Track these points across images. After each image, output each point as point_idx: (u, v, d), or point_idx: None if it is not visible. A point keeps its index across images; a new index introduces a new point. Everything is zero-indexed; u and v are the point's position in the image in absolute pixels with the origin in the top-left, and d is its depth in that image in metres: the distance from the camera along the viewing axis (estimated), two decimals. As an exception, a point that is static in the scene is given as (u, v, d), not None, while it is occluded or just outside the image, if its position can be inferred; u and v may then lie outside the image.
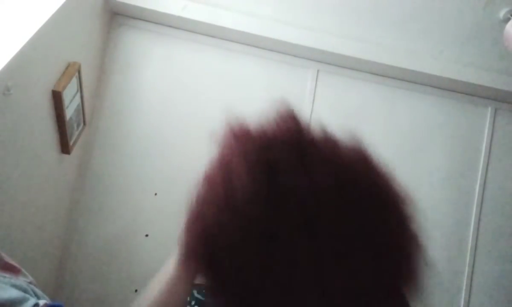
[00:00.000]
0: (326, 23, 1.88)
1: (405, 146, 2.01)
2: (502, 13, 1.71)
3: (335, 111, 1.99)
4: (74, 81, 1.54)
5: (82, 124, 1.72)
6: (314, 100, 1.98)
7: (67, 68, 1.50)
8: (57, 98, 1.43)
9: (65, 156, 1.64)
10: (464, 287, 1.94)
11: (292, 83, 1.98)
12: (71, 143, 1.63)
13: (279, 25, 1.87)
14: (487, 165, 2.02)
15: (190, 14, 1.83)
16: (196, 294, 0.91)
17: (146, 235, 1.82)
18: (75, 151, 1.72)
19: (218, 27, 1.85)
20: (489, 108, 2.05)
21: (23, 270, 0.92)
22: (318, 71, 1.99)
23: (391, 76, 2.01)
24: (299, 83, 1.98)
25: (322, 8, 1.83)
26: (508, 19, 1.65)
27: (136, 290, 1.77)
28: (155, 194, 1.85)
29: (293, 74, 1.98)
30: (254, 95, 1.95)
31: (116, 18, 1.92)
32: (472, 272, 1.95)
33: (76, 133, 1.68)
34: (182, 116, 1.91)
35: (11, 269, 0.89)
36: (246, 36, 1.89)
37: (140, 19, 1.92)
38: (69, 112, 1.55)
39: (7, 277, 0.85)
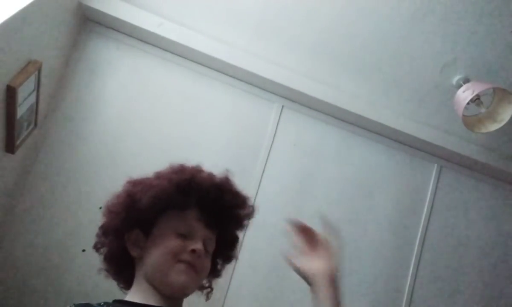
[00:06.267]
0: (296, 62, 1.94)
1: (357, 188, 2.08)
2: (455, 80, 1.85)
3: (294, 146, 2.03)
4: (32, 79, 1.47)
5: (33, 125, 1.63)
6: (275, 134, 2.01)
7: (27, 65, 1.43)
8: (11, 93, 1.35)
9: (9, 155, 1.54)
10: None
11: (256, 115, 2.01)
12: (17, 142, 1.54)
13: (250, 57, 1.91)
14: (429, 218, 2.13)
15: (164, 32, 1.82)
16: None
17: (83, 250, 1.71)
18: (20, 151, 1.62)
19: (190, 49, 1.86)
20: (435, 165, 2.19)
21: None
22: (282, 106, 2.04)
23: (350, 121, 2.10)
24: (263, 115, 2.02)
25: (294, 48, 1.90)
26: (460, 86, 1.80)
27: (65, 308, 1.65)
28: (100, 207, 1.76)
29: (258, 106, 2.02)
30: (217, 120, 1.96)
31: (87, 24, 1.87)
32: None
33: (25, 133, 1.59)
34: (139, 133, 1.85)
35: None
36: (217, 62, 1.91)
37: (113, 29, 1.88)
38: (21, 110, 1.47)
39: None
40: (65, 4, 1.66)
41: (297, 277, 0.84)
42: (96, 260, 1.68)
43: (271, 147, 2.00)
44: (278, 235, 1.94)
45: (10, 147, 1.51)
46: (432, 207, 2.14)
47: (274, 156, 2.00)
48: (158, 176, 0.95)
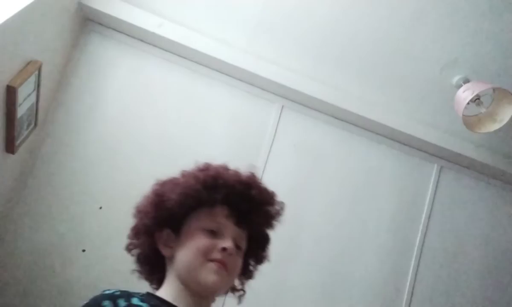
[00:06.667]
0: (296, 62, 1.94)
1: (357, 188, 2.08)
2: (455, 80, 1.86)
3: (294, 147, 2.03)
4: (32, 79, 1.47)
5: (33, 125, 1.63)
6: (275, 134, 2.01)
7: (27, 65, 1.43)
8: (11, 93, 1.35)
9: (9, 155, 1.54)
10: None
11: (256, 115, 2.01)
12: (17, 142, 1.53)
13: (250, 57, 1.91)
14: (429, 219, 2.13)
15: (165, 32, 1.82)
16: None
17: (83, 250, 1.71)
18: (21, 151, 1.61)
19: (191, 49, 1.86)
20: (435, 165, 2.19)
21: None
22: (282, 107, 2.04)
23: (350, 121, 2.10)
24: (263, 115, 2.02)
25: (294, 48, 1.90)
26: (460, 86, 1.80)
27: (66, 309, 1.65)
28: (100, 207, 1.76)
29: (258, 106, 2.01)
30: (216, 120, 1.96)
31: (88, 24, 1.87)
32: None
33: (25, 133, 1.59)
34: (140, 132, 1.85)
35: None
36: (218, 62, 1.90)
37: (113, 29, 1.88)
38: (22, 110, 1.47)
39: None
40: (65, 4, 1.66)
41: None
42: (96, 260, 1.70)
43: (271, 147, 2.00)
44: (278, 234, 1.93)
45: (10, 147, 1.51)
46: (432, 207, 2.14)
47: (274, 156, 2.00)
48: (184, 174, 0.96)
